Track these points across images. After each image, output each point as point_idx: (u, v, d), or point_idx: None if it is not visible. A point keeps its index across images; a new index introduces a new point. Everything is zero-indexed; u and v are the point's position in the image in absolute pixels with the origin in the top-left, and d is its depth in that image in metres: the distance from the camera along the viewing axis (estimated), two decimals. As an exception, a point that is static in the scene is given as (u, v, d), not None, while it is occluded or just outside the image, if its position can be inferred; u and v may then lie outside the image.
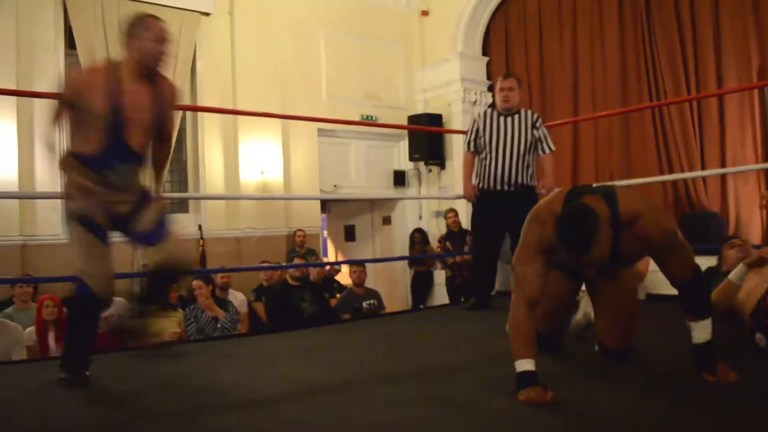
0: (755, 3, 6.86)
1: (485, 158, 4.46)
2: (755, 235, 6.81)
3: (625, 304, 2.64)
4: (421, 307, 7.73)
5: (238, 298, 6.30)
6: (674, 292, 2.46)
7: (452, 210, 7.97)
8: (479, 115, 4.65)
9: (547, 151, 4.54)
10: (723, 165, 7.02)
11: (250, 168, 7.90)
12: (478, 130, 4.50)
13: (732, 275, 3.09)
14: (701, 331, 2.31)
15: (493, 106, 4.64)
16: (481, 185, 4.52)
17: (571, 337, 3.12)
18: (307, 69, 8.53)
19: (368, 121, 8.69)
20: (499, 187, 4.43)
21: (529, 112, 4.59)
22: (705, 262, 5.94)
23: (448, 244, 7.71)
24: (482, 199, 4.52)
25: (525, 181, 4.46)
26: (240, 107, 7.48)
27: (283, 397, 2.47)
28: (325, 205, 9.35)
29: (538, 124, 4.51)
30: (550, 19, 8.66)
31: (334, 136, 8.79)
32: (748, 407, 2.03)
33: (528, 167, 4.47)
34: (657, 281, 6.33)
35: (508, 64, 9.09)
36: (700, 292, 2.38)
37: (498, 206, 4.41)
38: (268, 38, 8.06)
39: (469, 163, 4.63)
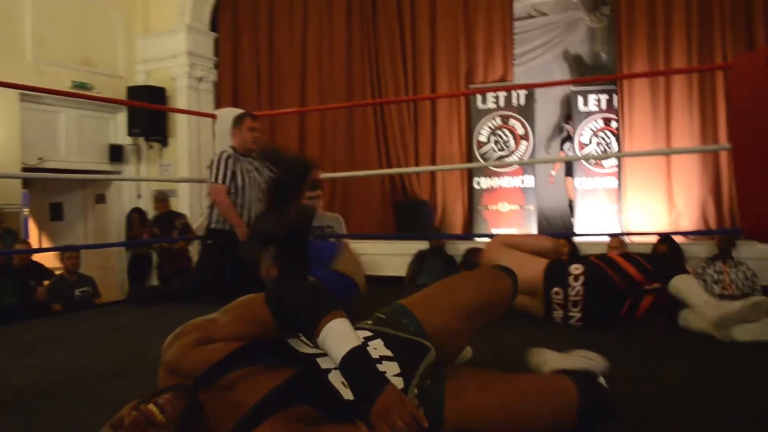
0: (465, 17, 7.74)
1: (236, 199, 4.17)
2: (458, 222, 7.65)
3: None
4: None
5: None
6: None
7: (163, 198, 7.64)
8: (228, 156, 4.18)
9: None
10: (434, 157, 7.77)
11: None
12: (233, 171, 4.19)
13: None
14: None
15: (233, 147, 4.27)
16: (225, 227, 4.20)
17: None
18: (9, 24, 7.46)
19: (83, 93, 7.86)
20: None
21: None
22: (416, 245, 6.55)
23: (155, 229, 7.37)
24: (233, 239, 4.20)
25: None
26: None
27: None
28: (28, 179, 8.32)
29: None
30: (281, 3, 8.69)
31: (41, 102, 7.82)
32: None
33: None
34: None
35: (237, 44, 8.95)
36: None
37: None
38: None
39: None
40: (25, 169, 7.50)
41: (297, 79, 8.53)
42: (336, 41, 8.33)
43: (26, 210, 8.68)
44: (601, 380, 1.65)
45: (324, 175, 5.23)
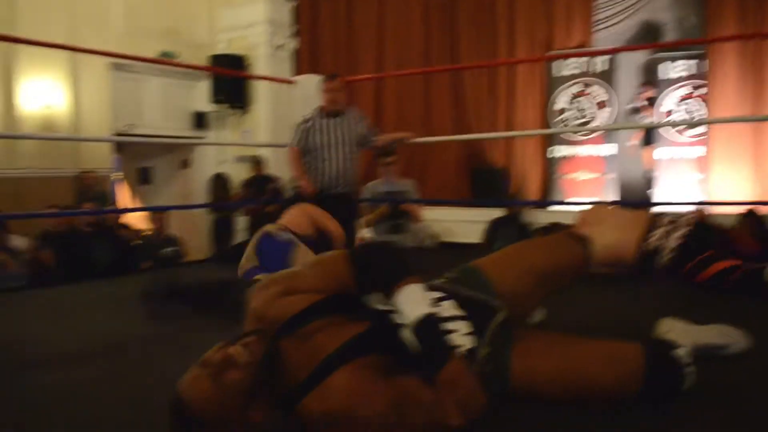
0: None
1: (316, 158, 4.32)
2: (534, 190, 7.57)
3: None
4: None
5: (20, 244, 5.75)
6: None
7: (257, 161, 7.84)
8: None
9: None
10: (510, 126, 7.69)
11: (31, 100, 7.13)
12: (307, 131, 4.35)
13: None
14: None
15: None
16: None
17: None
18: (100, -4, 7.82)
19: (168, 60, 8.18)
20: (329, 188, 4.32)
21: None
22: (491, 213, 6.54)
23: (248, 190, 7.58)
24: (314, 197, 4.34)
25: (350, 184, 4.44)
26: (20, 34, 6.64)
27: (99, 351, 2.35)
28: (119, 145, 8.74)
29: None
30: (359, -32, 8.73)
31: (130, 71, 8.17)
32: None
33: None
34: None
35: (316, 11, 9.04)
36: None
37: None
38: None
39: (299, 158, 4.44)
40: (116, 135, 7.89)
41: (374, 46, 8.58)
42: (413, 7, 8.31)
43: (117, 174, 9.13)
44: (681, 352, 1.62)
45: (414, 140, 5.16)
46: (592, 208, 3.12)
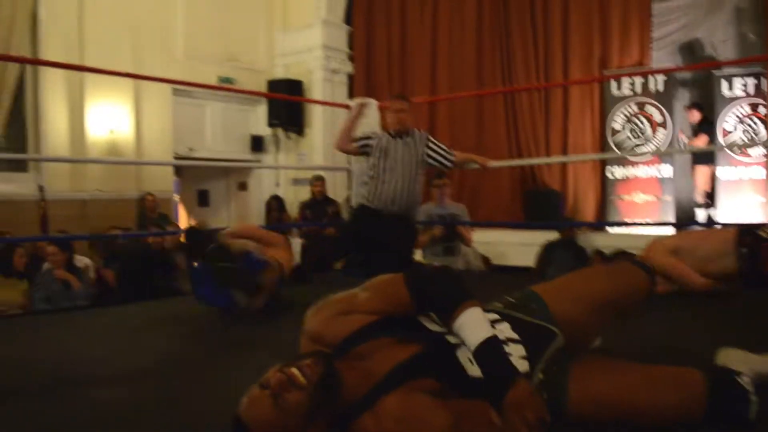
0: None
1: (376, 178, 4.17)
2: (590, 212, 7.46)
3: None
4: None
5: (84, 263, 5.97)
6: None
7: (319, 178, 7.84)
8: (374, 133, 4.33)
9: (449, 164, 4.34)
10: (565, 146, 7.62)
11: (98, 126, 7.43)
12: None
13: None
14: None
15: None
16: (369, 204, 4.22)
17: None
18: (162, 25, 8.09)
19: (228, 86, 8.42)
20: (385, 208, 4.13)
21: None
22: (545, 236, 6.46)
23: (308, 212, 7.60)
24: (367, 215, 4.23)
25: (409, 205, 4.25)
26: (87, 62, 6.95)
27: (156, 370, 2.42)
28: (179, 168, 9.01)
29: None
30: (413, -6, 8.82)
31: (190, 96, 8.45)
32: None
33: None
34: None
35: (371, 36, 9.18)
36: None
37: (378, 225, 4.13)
38: (121, -12, 7.56)
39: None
40: (176, 159, 8.16)
41: (428, 69, 8.65)
42: (467, 29, 8.36)
43: (177, 196, 9.40)
44: (743, 379, 1.59)
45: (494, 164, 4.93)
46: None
